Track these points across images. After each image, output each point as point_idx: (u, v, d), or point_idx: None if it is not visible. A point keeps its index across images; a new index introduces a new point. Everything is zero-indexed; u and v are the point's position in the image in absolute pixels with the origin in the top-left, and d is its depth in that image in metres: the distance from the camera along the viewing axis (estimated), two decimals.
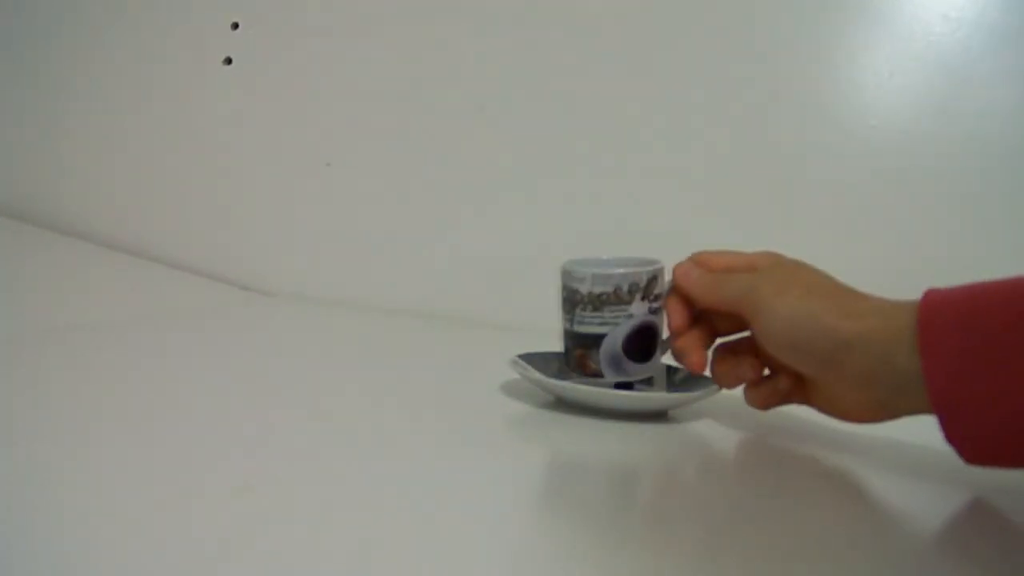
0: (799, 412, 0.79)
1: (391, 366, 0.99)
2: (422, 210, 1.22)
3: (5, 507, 0.58)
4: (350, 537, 0.57)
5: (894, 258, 1.08)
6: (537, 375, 0.85)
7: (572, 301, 0.83)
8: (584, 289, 0.82)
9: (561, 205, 1.18)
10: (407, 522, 0.60)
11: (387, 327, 1.13)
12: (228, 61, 1.22)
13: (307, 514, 0.60)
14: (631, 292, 0.82)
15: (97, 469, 0.65)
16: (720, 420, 0.84)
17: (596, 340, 0.82)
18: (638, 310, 0.82)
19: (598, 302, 0.82)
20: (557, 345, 0.86)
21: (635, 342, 0.82)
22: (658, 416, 0.84)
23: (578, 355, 0.84)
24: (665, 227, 1.14)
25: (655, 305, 0.83)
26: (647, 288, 0.82)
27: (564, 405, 0.84)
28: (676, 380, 0.88)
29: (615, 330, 0.82)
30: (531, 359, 0.88)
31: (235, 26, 1.24)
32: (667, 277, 0.84)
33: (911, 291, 0.65)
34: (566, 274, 0.84)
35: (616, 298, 0.82)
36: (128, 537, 0.55)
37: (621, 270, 0.82)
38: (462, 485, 0.66)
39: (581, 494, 0.70)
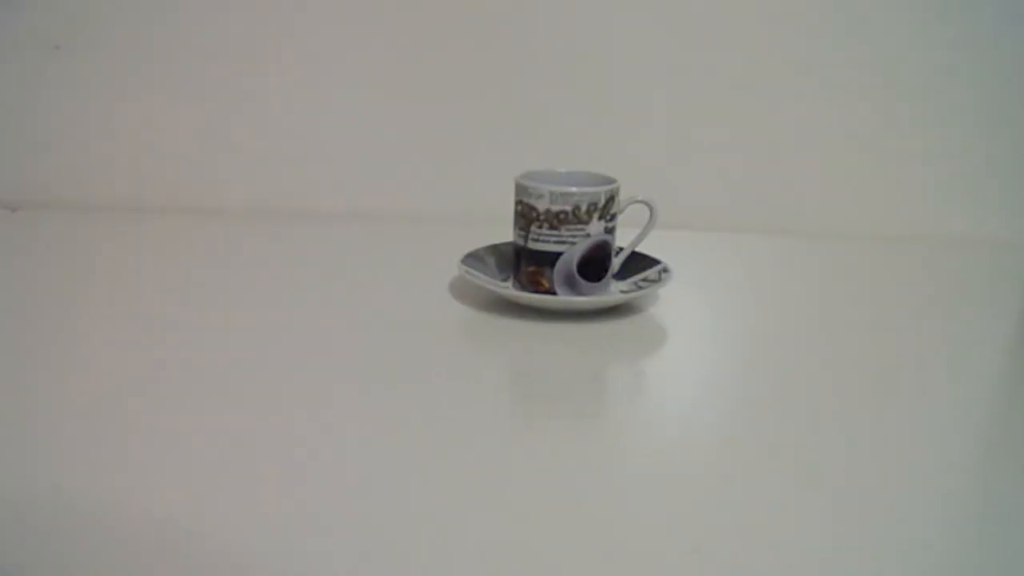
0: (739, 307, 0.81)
1: (335, 273, 0.96)
2: (340, 108, 1.16)
3: None
4: (322, 451, 0.57)
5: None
6: (490, 284, 0.84)
7: (528, 217, 0.82)
8: (542, 207, 0.81)
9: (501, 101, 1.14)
10: (373, 436, 0.59)
11: (325, 233, 1.09)
12: None
13: (271, 433, 0.59)
14: (589, 212, 0.81)
15: None
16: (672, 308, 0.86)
17: (551, 258, 0.82)
18: (595, 229, 0.81)
19: (555, 220, 0.81)
20: (494, 236, 0.86)
21: (590, 261, 0.82)
22: (611, 309, 0.85)
23: (531, 272, 0.83)
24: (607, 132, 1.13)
25: (611, 224, 0.83)
26: (605, 207, 0.82)
27: (513, 305, 0.84)
28: (628, 272, 0.88)
29: (571, 249, 0.81)
30: (477, 258, 0.87)
31: None
32: (622, 196, 0.83)
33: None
34: (522, 189, 0.82)
35: (575, 217, 0.81)
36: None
37: (581, 189, 0.81)
38: (427, 393, 0.66)
39: (539, 390, 0.70)
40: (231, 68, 1.14)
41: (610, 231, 0.83)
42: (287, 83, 1.14)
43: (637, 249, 0.88)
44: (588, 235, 0.81)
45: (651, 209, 0.85)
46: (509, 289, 0.84)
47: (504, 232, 0.87)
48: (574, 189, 0.81)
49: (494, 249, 0.89)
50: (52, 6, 1.13)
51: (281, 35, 1.13)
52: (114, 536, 0.50)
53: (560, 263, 0.81)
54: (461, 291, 0.87)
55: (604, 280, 0.84)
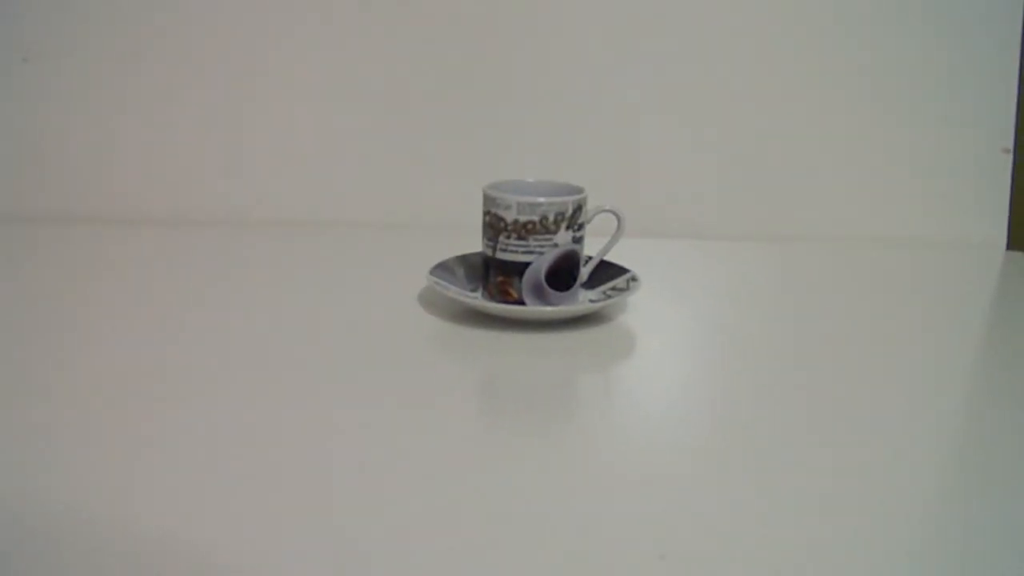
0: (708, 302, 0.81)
1: (302, 283, 0.95)
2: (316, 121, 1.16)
3: None
4: (291, 460, 0.57)
5: None
6: (459, 295, 0.84)
7: (496, 228, 0.82)
8: (510, 217, 0.81)
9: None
10: (341, 447, 0.59)
11: (292, 242, 1.09)
12: None
13: (239, 442, 0.59)
14: (557, 221, 0.81)
15: None
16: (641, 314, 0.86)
17: (519, 268, 0.82)
18: (562, 239, 0.82)
19: (523, 231, 0.81)
20: (463, 246, 0.86)
21: (558, 271, 0.82)
22: (580, 318, 0.85)
23: (499, 282, 0.83)
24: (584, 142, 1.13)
25: (579, 234, 0.83)
26: (572, 217, 0.82)
27: (482, 315, 0.84)
28: (597, 281, 0.88)
29: (539, 259, 0.81)
30: (445, 269, 0.87)
31: None
32: (590, 205, 0.84)
33: None
34: (490, 200, 0.83)
35: (542, 227, 0.81)
36: None
37: (548, 199, 0.81)
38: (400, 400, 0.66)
39: (510, 396, 0.70)
40: (202, 80, 1.14)
41: (578, 240, 0.83)
42: (259, 93, 1.14)
43: (605, 258, 0.89)
44: (556, 245, 0.82)
45: (618, 218, 0.86)
46: (478, 299, 0.84)
47: (473, 242, 0.87)
48: (541, 199, 0.81)
49: (463, 259, 0.89)
50: (18, 19, 1.13)
51: (251, 47, 1.13)
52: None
53: (528, 273, 0.82)
54: (430, 301, 0.87)
55: (572, 289, 0.84)
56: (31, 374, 0.71)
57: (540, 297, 0.82)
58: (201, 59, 1.13)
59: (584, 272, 0.86)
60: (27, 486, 0.56)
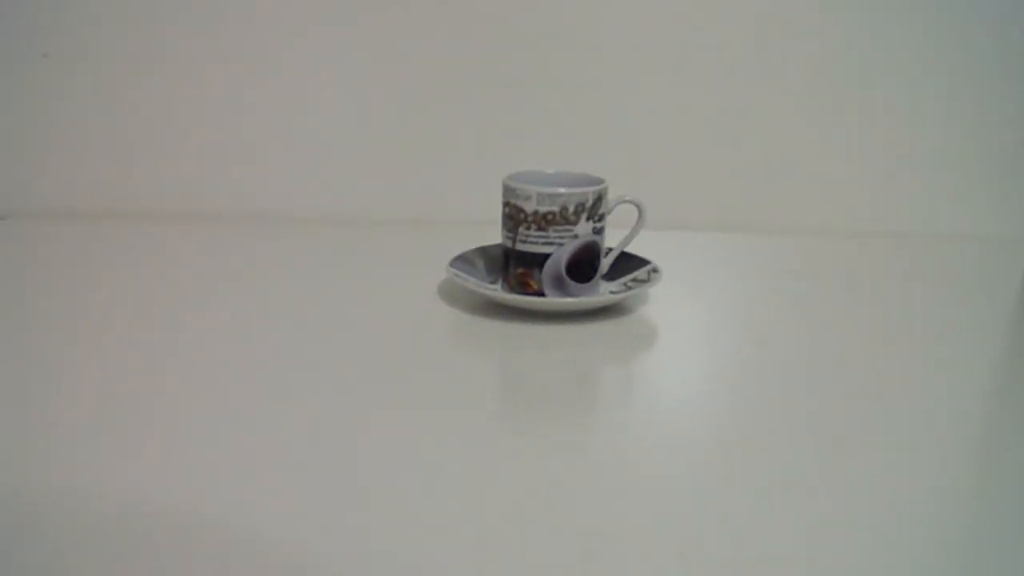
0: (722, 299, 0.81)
1: (324, 276, 0.96)
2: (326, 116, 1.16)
3: None
4: (310, 452, 0.57)
5: None
6: (479, 287, 0.83)
7: (515, 219, 0.82)
8: (529, 208, 0.81)
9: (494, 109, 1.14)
10: (360, 438, 0.59)
11: (314, 236, 1.09)
12: None
13: (260, 434, 0.59)
14: (577, 212, 0.81)
15: None
16: (659, 308, 0.85)
17: (539, 259, 0.81)
18: (583, 230, 0.81)
19: (543, 222, 0.81)
20: (482, 238, 0.85)
21: (578, 262, 0.82)
22: (601, 310, 0.84)
23: (519, 273, 0.83)
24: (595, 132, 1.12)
25: (599, 225, 0.83)
26: (593, 208, 0.81)
27: (502, 307, 0.83)
28: (617, 272, 0.88)
29: (559, 250, 0.81)
30: (465, 261, 0.87)
31: None
32: (610, 196, 0.83)
33: None
34: (509, 191, 0.82)
35: (562, 218, 0.80)
36: None
37: (568, 190, 0.81)
38: (422, 393, 0.66)
39: (529, 389, 0.70)
40: (220, 75, 1.14)
41: (598, 231, 0.83)
42: (276, 88, 1.14)
43: (626, 249, 0.88)
44: (576, 236, 0.81)
45: (639, 209, 0.85)
46: (498, 291, 0.84)
47: (493, 234, 0.87)
48: (562, 190, 0.80)
49: (482, 251, 0.89)
50: (40, 14, 1.13)
51: (270, 41, 1.13)
52: (116, 538, 0.50)
53: (548, 264, 0.81)
54: (450, 294, 0.87)
55: (593, 281, 0.84)
56: (35, 372, 0.72)
57: (560, 288, 0.82)
58: (218, 56, 1.14)
59: (605, 263, 0.86)
60: (29, 486, 0.56)
